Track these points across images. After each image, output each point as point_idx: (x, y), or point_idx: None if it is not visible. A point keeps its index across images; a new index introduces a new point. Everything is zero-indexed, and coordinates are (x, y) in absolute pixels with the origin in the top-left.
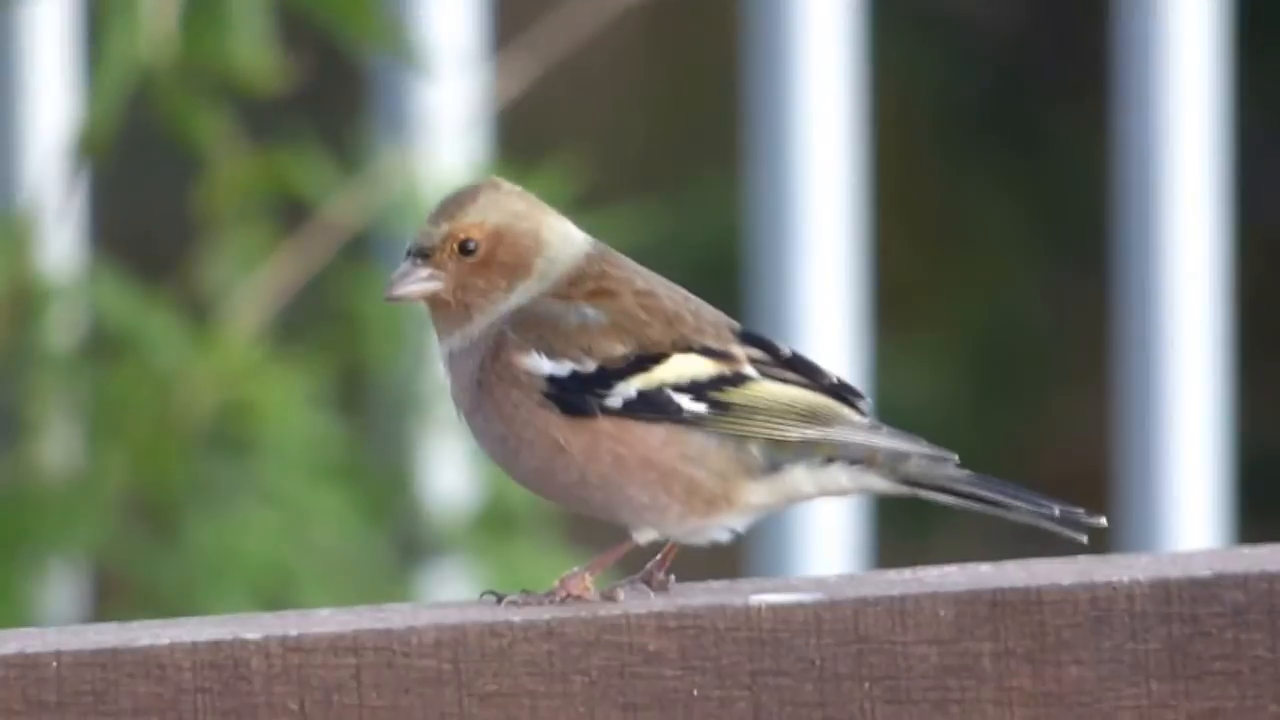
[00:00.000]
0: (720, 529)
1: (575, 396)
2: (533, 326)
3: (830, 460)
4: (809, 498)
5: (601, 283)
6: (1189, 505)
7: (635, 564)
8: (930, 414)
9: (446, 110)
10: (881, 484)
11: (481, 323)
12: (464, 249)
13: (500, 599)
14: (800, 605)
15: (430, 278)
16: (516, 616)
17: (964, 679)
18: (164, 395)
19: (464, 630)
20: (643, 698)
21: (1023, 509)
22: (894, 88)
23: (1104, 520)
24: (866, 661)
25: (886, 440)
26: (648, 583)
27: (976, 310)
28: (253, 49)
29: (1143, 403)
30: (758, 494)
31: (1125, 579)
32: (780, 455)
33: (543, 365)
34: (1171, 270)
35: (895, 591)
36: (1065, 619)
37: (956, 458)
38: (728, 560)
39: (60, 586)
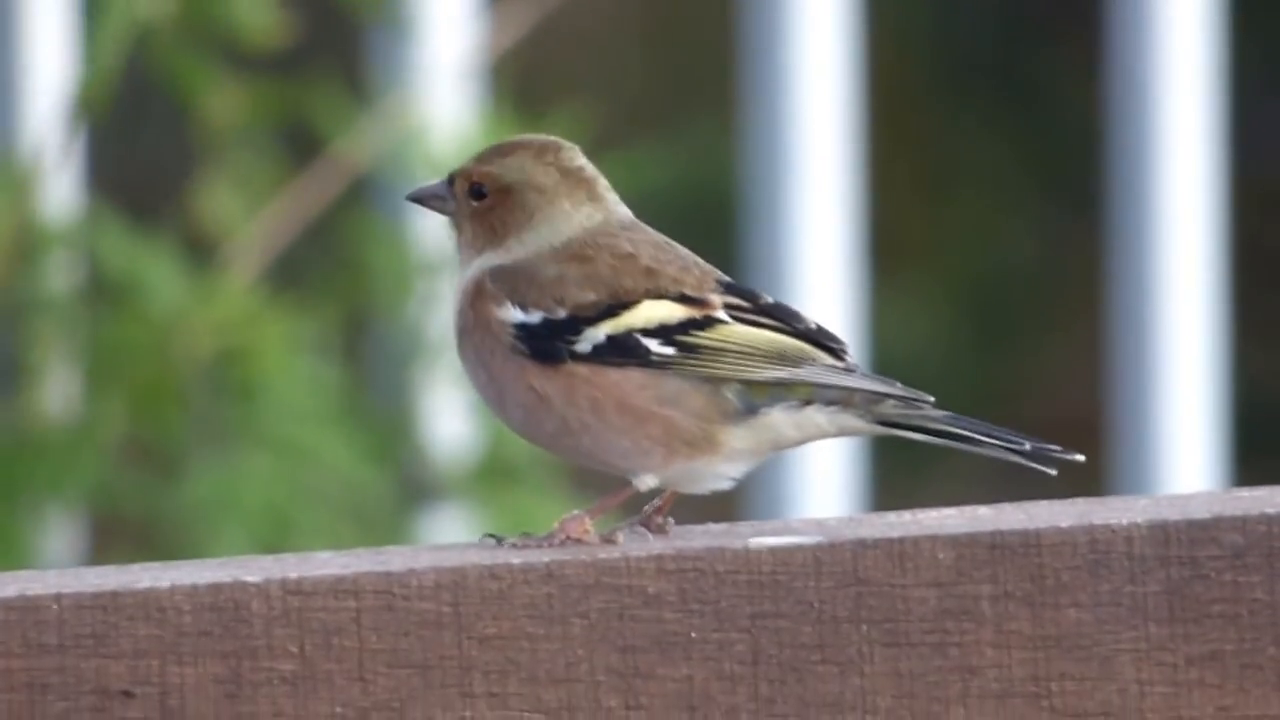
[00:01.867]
0: (716, 476)
1: (545, 343)
2: (509, 279)
3: (807, 403)
4: (792, 441)
5: (582, 250)
6: (1183, 448)
7: (636, 509)
8: (924, 357)
9: (446, 59)
10: (859, 424)
11: (470, 266)
12: (476, 191)
13: (500, 541)
14: (799, 548)
15: (445, 201)
16: (516, 559)
17: (963, 621)
18: (163, 340)
19: (464, 573)
20: (642, 640)
21: (996, 445)
22: (889, 34)
23: (1080, 456)
24: (865, 604)
25: (859, 381)
26: (646, 526)
27: (971, 255)
28: (252, 5)
29: (1137, 346)
30: (739, 437)
31: (1124, 522)
32: (757, 399)
33: (515, 315)
34: (1165, 214)
35: (894, 534)
36: (1064, 562)
37: (931, 399)
38: (726, 504)
39: (59, 531)
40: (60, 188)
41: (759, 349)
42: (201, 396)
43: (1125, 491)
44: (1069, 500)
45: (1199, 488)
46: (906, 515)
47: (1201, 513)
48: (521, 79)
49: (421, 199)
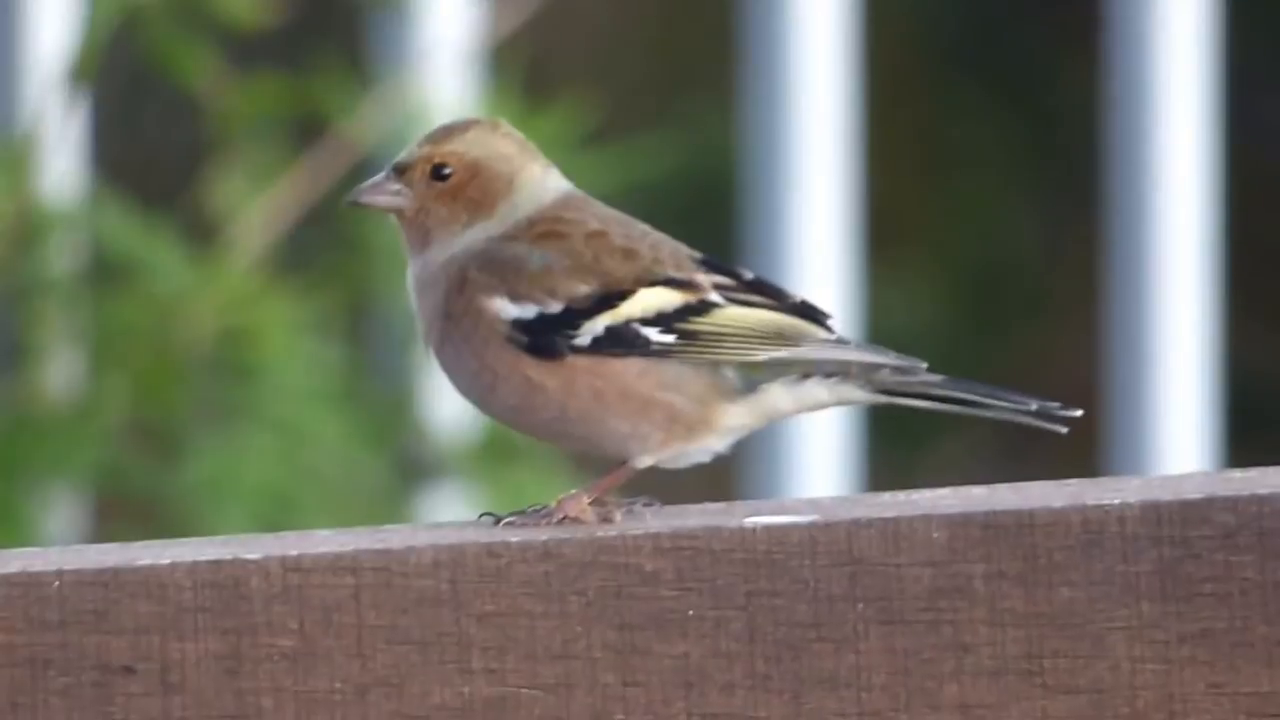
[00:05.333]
0: (702, 451)
1: (544, 338)
2: (496, 269)
3: (806, 376)
4: (790, 414)
5: (554, 226)
6: (1178, 429)
7: (633, 490)
8: (921, 340)
9: (448, 42)
10: (859, 394)
11: (439, 253)
12: (437, 173)
13: (498, 520)
14: (795, 526)
15: (398, 193)
16: (514, 537)
17: (956, 600)
18: (165, 321)
19: (462, 551)
20: (639, 618)
21: (1001, 406)
22: (887, 18)
23: (1079, 411)
24: (860, 583)
25: (856, 354)
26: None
27: (968, 237)
28: None
29: (1132, 328)
30: (737, 415)
31: (1116, 502)
32: (756, 376)
33: (508, 309)
34: (1161, 197)
35: (889, 513)
36: (1057, 541)
37: (925, 365)
38: (723, 484)
39: (62, 510)
40: (62, 169)
41: (756, 330)
42: (203, 377)
43: (1119, 472)
44: (1062, 481)
45: (1192, 469)
46: (901, 495)
47: (1194, 493)
48: (523, 62)
49: (371, 200)
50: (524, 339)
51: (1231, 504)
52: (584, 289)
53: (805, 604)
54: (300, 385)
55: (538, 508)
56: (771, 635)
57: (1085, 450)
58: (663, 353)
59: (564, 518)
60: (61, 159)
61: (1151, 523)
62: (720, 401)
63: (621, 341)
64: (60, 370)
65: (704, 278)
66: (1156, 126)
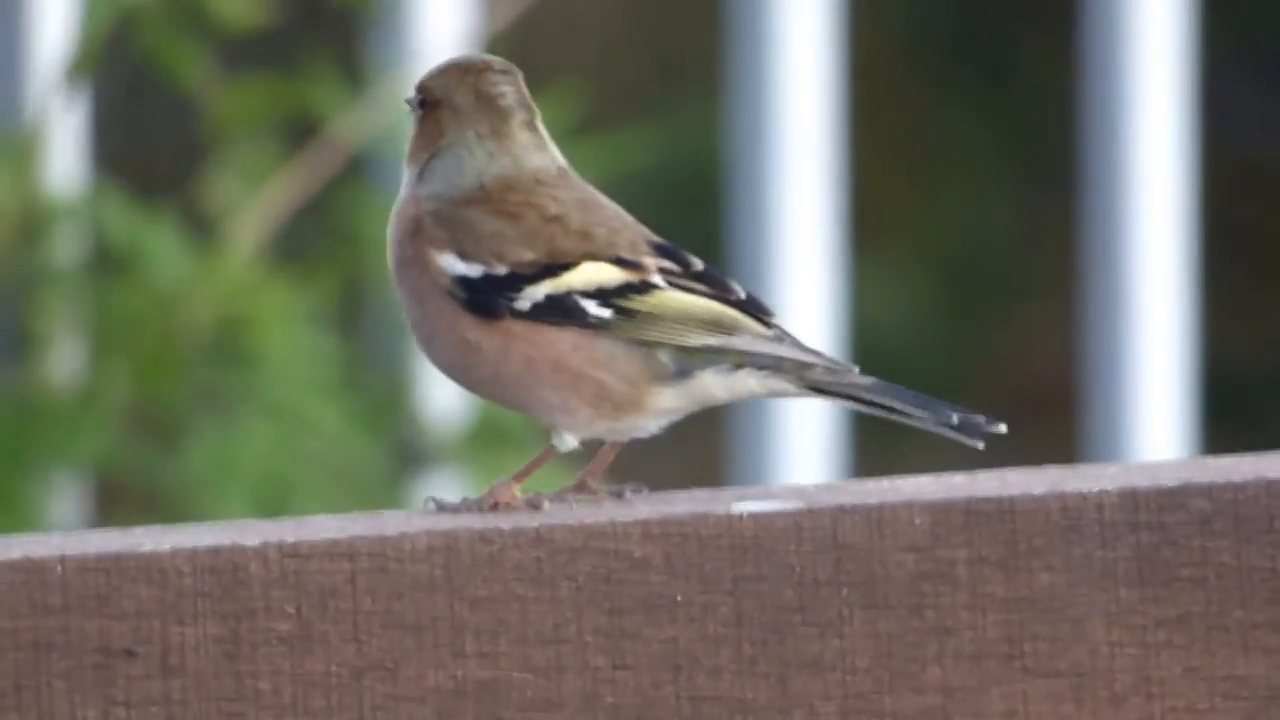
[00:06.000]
0: (631, 430)
1: (485, 297)
2: (450, 225)
3: (739, 367)
4: (722, 401)
5: (517, 200)
6: (1154, 417)
7: (619, 475)
8: (903, 329)
9: (440, 41)
10: (789, 388)
11: (407, 182)
12: (417, 102)
13: (440, 505)
14: (781, 513)
15: (408, 106)
16: (506, 524)
17: (939, 585)
18: (166, 311)
19: (455, 537)
20: (628, 602)
21: (922, 416)
22: (868, 15)
23: (1003, 427)
24: (844, 568)
25: (788, 350)
26: (581, 490)
27: (948, 230)
28: None
29: (1109, 318)
30: (668, 399)
31: (1095, 489)
32: (689, 362)
33: (456, 265)
34: (1137, 189)
35: (872, 500)
36: (1037, 527)
37: (857, 369)
38: (710, 471)
39: (65, 496)
40: (65, 163)
41: (694, 316)
42: (203, 365)
43: (1097, 459)
44: (1042, 468)
45: (1169, 456)
46: (885, 482)
47: (1170, 480)
48: (513, 61)
49: (410, 103)
50: (464, 296)
51: (1207, 490)
52: (530, 255)
53: (791, 589)
54: (298, 373)
55: (474, 498)
56: (758, 619)
57: (1064, 438)
58: (599, 327)
59: (495, 504)
60: (64, 153)
61: (1129, 509)
62: (651, 384)
63: (560, 310)
64: (63, 359)
65: (652, 261)
66: (1131, 118)
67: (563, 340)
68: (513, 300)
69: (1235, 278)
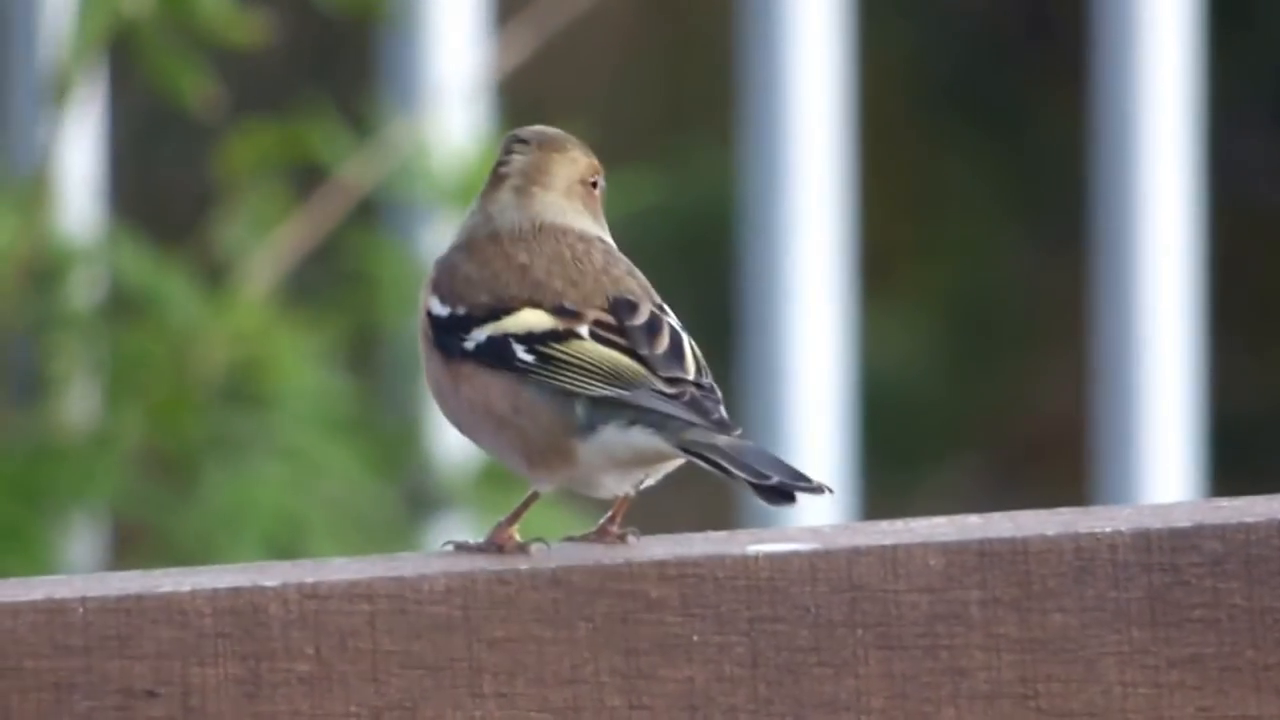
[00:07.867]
0: (599, 485)
1: (446, 336)
2: (439, 268)
3: (633, 423)
4: (629, 461)
5: (502, 248)
6: (1164, 464)
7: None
8: (912, 373)
9: (451, 81)
10: (665, 447)
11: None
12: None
13: (458, 547)
14: (796, 554)
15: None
16: (523, 565)
17: (953, 625)
18: (180, 353)
19: (473, 578)
20: (645, 643)
21: (739, 478)
22: (878, 62)
23: (830, 489)
24: (860, 609)
25: (670, 407)
26: (602, 536)
27: (958, 274)
28: (219, 3)
29: (1119, 362)
30: (586, 452)
31: (1108, 529)
32: (597, 414)
33: (435, 305)
34: (1146, 237)
35: (887, 541)
36: (1050, 568)
37: (740, 429)
38: (725, 513)
39: (81, 537)
40: (78, 205)
41: (599, 367)
42: (216, 407)
43: (1109, 502)
44: (1055, 510)
45: (1180, 498)
46: (899, 524)
47: (1183, 521)
48: (525, 101)
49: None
50: (432, 335)
51: (1220, 532)
52: (483, 299)
53: (806, 629)
54: (310, 415)
55: (474, 541)
56: (773, 660)
57: (1076, 481)
58: (524, 371)
59: (496, 547)
60: (78, 196)
61: (1142, 550)
62: (565, 435)
63: (494, 352)
64: (78, 401)
65: (592, 312)
66: (1141, 164)
67: (495, 386)
68: (463, 340)
69: (1244, 323)
